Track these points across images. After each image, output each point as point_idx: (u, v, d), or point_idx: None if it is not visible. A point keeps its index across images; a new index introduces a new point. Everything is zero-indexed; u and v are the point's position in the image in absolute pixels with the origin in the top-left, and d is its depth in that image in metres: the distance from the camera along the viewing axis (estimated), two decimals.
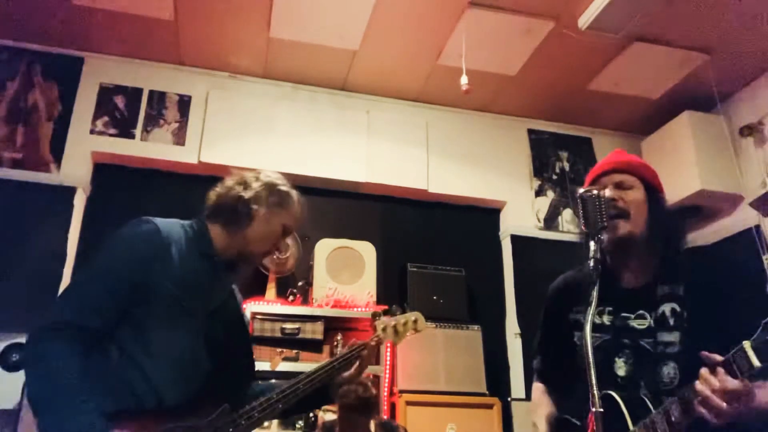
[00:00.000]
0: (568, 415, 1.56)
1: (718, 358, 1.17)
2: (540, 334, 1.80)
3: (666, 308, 1.44)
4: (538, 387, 1.76)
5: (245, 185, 1.68)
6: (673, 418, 1.23)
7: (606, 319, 1.51)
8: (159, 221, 1.59)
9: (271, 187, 1.70)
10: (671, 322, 1.42)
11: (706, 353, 1.20)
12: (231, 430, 1.47)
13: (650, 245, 1.50)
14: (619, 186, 1.53)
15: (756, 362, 1.07)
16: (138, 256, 1.50)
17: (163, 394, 1.46)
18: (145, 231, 1.55)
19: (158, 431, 1.36)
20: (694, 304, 1.42)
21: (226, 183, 1.71)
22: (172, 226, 1.61)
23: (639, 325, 1.46)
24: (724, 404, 1.13)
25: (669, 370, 1.40)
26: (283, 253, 3.64)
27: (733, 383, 1.13)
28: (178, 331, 1.53)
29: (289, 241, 3.69)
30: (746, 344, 1.09)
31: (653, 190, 1.56)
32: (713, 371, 1.16)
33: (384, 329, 1.90)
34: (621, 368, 1.46)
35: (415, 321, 1.95)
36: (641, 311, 1.47)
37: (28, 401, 1.34)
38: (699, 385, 1.18)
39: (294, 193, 1.74)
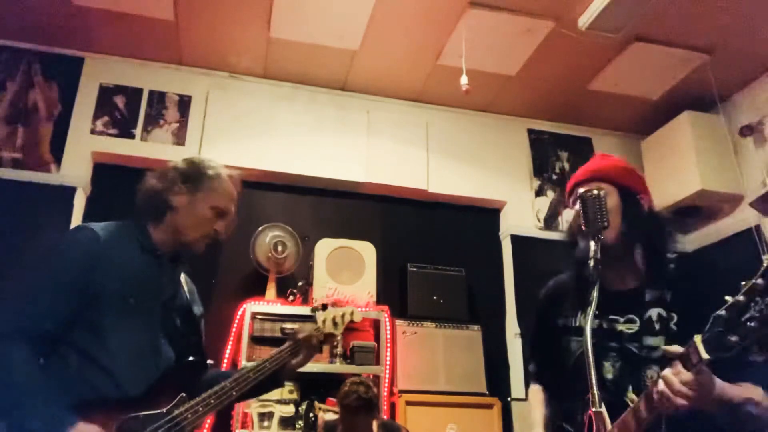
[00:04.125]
0: (561, 422, 1.56)
1: (678, 350, 1.18)
2: (532, 340, 1.81)
3: (653, 313, 1.45)
4: (534, 389, 1.77)
5: (160, 178, 1.71)
6: (641, 415, 1.24)
7: (594, 323, 1.52)
8: (96, 226, 1.62)
9: (187, 174, 1.72)
10: (657, 326, 1.43)
11: (666, 347, 1.22)
12: (189, 416, 1.53)
13: (627, 248, 1.50)
14: None
15: (705, 355, 1.09)
16: (77, 263, 1.54)
17: (126, 389, 1.50)
18: (82, 238, 1.59)
19: (118, 420, 1.42)
20: (681, 310, 1.43)
21: (146, 179, 1.74)
22: (111, 228, 1.64)
23: (628, 329, 1.47)
24: (679, 399, 1.14)
25: (652, 373, 1.41)
26: (280, 253, 3.64)
27: (686, 375, 1.14)
28: (133, 327, 1.57)
29: (288, 242, 3.69)
30: (697, 338, 1.11)
31: (629, 194, 1.55)
32: (671, 365, 1.18)
33: (324, 321, 1.98)
34: (608, 371, 1.46)
35: (351, 313, 2.05)
36: (631, 315, 1.47)
37: None
38: (660, 383, 1.19)
39: (219, 172, 1.75)
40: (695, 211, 4.13)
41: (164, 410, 1.51)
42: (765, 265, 0.98)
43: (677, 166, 4.09)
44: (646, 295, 1.48)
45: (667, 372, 1.18)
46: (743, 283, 1.02)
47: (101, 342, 1.52)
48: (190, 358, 1.68)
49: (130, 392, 1.51)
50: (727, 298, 1.05)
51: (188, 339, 1.72)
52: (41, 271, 1.56)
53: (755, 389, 1.26)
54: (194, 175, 1.72)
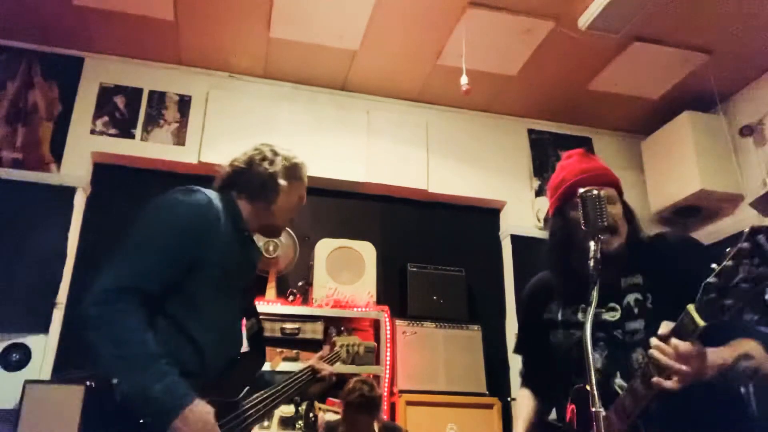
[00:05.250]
0: (548, 416, 1.58)
1: (669, 325, 1.20)
2: (518, 338, 1.85)
3: (630, 298, 1.50)
4: (522, 393, 1.81)
5: (269, 160, 1.71)
6: (639, 394, 1.26)
7: (581, 316, 1.56)
8: (208, 192, 1.58)
9: (290, 161, 1.75)
10: (636, 311, 1.48)
11: (660, 330, 1.23)
12: (253, 411, 1.54)
13: (626, 252, 1.54)
14: (608, 201, 1.51)
15: (700, 322, 1.11)
16: (193, 226, 1.49)
17: (210, 365, 1.48)
18: (200, 202, 1.54)
19: (207, 401, 1.36)
20: (654, 291, 1.47)
21: (247, 157, 1.72)
22: (216, 197, 1.60)
23: (611, 317, 1.51)
24: (683, 367, 1.16)
25: (637, 356, 1.45)
26: (271, 254, 3.64)
27: (684, 345, 1.17)
28: (224, 304, 1.55)
29: (280, 243, 3.67)
30: (690, 307, 1.13)
31: (624, 200, 1.61)
32: (665, 339, 1.20)
33: (342, 346, 2.15)
34: (597, 361, 1.49)
35: (360, 345, 2.22)
36: (612, 304, 1.52)
37: (98, 362, 1.33)
38: (654, 353, 1.21)
39: (303, 163, 1.81)
40: (695, 211, 4.13)
41: (235, 400, 1.51)
42: (747, 230, 1.00)
43: (677, 166, 4.09)
44: (621, 282, 1.52)
45: (660, 343, 1.20)
46: (728, 249, 1.04)
47: (195, 313, 1.47)
48: (256, 349, 1.70)
49: (212, 369, 1.48)
50: (713, 266, 1.07)
51: (255, 326, 1.74)
52: (158, 230, 1.49)
53: (748, 343, 1.29)
54: (295, 164, 1.76)
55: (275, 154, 1.73)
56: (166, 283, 1.43)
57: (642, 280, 1.50)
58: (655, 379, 1.21)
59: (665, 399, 1.24)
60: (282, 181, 1.69)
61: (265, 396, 1.60)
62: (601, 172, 1.62)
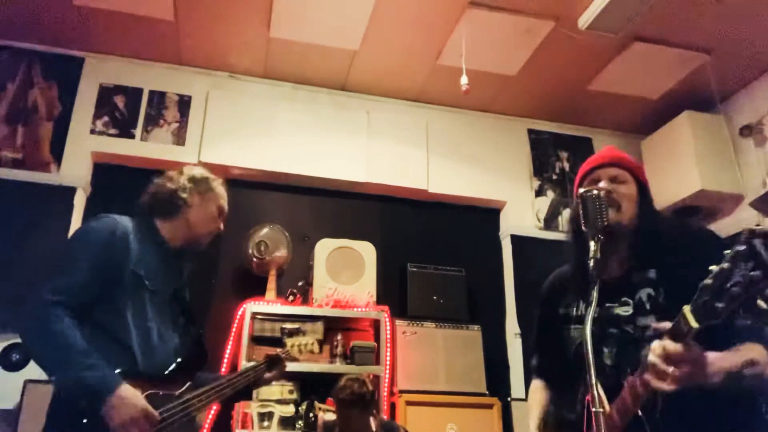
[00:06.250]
0: (561, 410, 1.58)
1: (666, 325, 1.19)
2: (535, 332, 1.84)
3: (642, 293, 1.48)
4: (535, 384, 1.80)
5: (173, 180, 1.92)
6: (639, 393, 1.25)
7: (595, 311, 1.53)
8: (118, 217, 1.81)
9: (195, 177, 1.94)
10: (648, 306, 1.46)
11: (655, 324, 1.24)
12: (196, 402, 1.74)
13: (636, 239, 1.53)
14: (613, 180, 1.57)
15: (694, 324, 1.10)
16: (104, 245, 1.71)
17: (140, 363, 1.67)
18: (107, 223, 1.77)
19: (144, 393, 1.59)
20: (667, 285, 1.45)
21: (156, 182, 1.94)
22: (125, 219, 1.83)
23: (624, 312, 1.50)
24: (670, 368, 1.15)
25: (647, 352, 1.42)
26: (263, 254, 3.64)
27: (673, 347, 1.15)
28: (146, 308, 1.75)
29: (272, 243, 3.68)
30: (686, 308, 1.13)
31: (643, 187, 1.60)
32: (660, 339, 1.19)
33: (292, 346, 2.24)
34: (608, 357, 1.48)
35: (313, 343, 2.29)
36: (624, 298, 1.50)
37: (38, 364, 1.61)
38: (649, 355, 1.20)
39: (215, 177, 2.00)
40: (695, 211, 4.13)
41: (177, 393, 1.71)
42: (746, 232, 1.00)
43: (677, 166, 4.09)
44: (633, 277, 1.51)
45: (655, 343, 1.19)
46: (726, 252, 1.03)
47: (120, 319, 1.68)
48: (194, 350, 1.86)
49: (143, 367, 1.67)
50: (712, 267, 1.06)
51: (190, 331, 1.90)
52: (75, 253, 1.71)
53: (754, 347, 1.27)
54: (201, 179, 1.95)
55: (180, 173, 1.94)
56: (89, 295, 1.65)
57: (655, 274, 1.48)
58: (647, 377, 1.20)
59: (672, 400, 1.22)
60: (185, 195, 1.88)
61: (208, 388, 1.79)
62: (618, 154, 1.64)
